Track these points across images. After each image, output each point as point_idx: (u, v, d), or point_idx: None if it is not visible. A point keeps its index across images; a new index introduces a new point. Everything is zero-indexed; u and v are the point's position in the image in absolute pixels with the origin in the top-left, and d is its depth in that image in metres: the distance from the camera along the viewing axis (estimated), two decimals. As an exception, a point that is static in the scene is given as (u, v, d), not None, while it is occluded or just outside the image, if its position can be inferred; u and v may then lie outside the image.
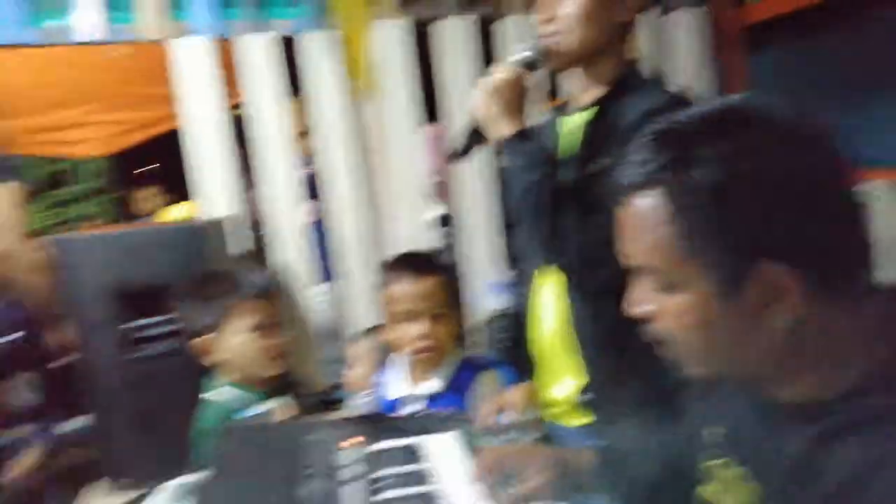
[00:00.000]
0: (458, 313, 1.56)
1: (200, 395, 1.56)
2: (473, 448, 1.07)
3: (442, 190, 3.10)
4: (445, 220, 3.02)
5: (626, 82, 1.21)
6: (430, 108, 2.74)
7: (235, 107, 2.62)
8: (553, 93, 2.22)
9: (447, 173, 2.92)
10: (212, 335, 1.55)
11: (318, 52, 2.57)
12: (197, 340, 1.57)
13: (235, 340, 1.54)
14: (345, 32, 2.59)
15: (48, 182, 4.74)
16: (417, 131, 2.69)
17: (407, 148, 2.67)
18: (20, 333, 2.28)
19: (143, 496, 1.27)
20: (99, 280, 2.15)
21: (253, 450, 1.08)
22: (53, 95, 3.50)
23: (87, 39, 2.39)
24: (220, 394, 1.55)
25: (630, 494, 0.92)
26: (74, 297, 2.20)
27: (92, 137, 3.99)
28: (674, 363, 0.73)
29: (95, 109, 3.72)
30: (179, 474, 1.21)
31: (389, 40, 2.63)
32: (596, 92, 1.22)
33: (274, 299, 1.67)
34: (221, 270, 1.93)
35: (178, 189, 3.66)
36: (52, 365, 2.34)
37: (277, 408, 1.50)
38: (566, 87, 1.32)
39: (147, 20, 2.42)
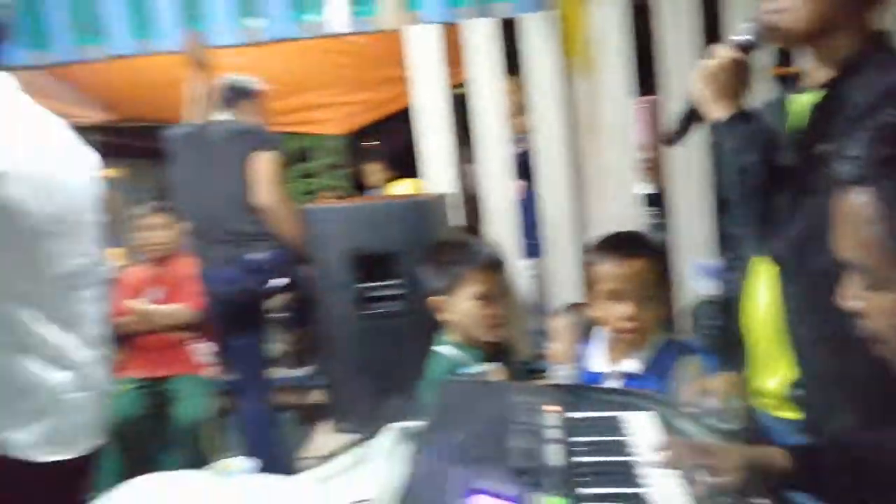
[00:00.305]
0: (664, 296, 1.55)
1: (432, 347, 1.71)
2: (670, 430, 1.08)
3: (653, 168, 3.03)
4: (655, 199, 2.95)
5: (864, 59, 1.11)
6: (647, 81, 2.69)
7: (457, 86, 2.79)
8: (784, 61, 2.07)
9: (659, 151, 2.85)
10: (444, 297, 1.70)
11: (536, 32, 2.64)
12: (432, 299, 1.72)
13: (462, 305, 1.67)
14: (563, 11, 2.63)
15: (296, 157, 5.38)
16: (630, 109, 2.66)
17: (619, 126, 2.64)
18: (289, 278, 2.72)
19: (365, 437, 1.38)
20: (338, 245, 2.41)
21: (468, 403, 1.19)
22: (301, 79, 3.94)
23: (336, 31, 2.71)
24: (447, 349, 1.69)
25: (837, 497, 0.90)
26: (317, 260, 2.50)
27: (333, 117, 4.45)
28: (888, 362, 0.71)
29: (337, 92, 4.13)
30: (397, 420, 1.30)
31: (607, 18, 2.62)
32: (828, 71, 1.14)
33: (499, 272, 1.77)
34: (458, 240, 2.06)
35: (398, 165, 3.99)
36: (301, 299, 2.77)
37: (491, 371, 1.61)
38: (799, 58, 1.25)
39: (387, 12, 2.67)
